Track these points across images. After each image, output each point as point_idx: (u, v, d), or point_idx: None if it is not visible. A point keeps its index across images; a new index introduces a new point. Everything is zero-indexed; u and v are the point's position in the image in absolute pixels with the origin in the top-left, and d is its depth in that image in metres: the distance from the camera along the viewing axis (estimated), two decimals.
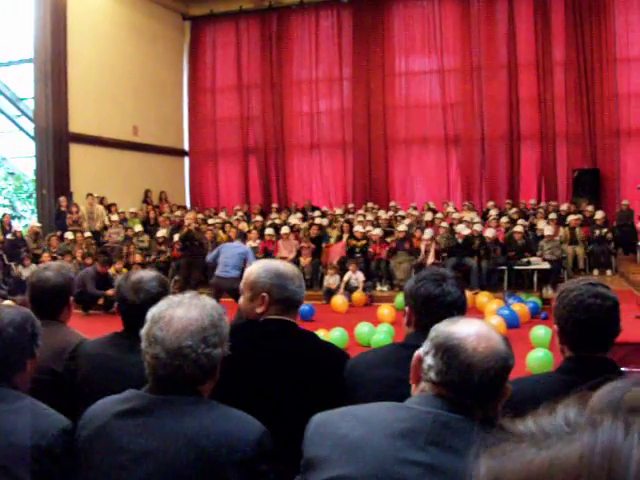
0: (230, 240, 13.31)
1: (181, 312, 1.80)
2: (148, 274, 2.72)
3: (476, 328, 1.68)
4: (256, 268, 2.58)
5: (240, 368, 2.36)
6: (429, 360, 1.67)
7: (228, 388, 2.03)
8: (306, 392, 2.44)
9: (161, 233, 14.24)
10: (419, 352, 1.72)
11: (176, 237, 14.01)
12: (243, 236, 11.47)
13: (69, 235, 14.31)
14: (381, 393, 2.03)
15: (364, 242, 13.74)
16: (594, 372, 2.12)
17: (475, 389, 1.62)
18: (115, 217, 15.42)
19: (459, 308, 2.25)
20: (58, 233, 14.43)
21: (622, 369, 2.25)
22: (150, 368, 1.80)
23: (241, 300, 2.62)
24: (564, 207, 15.43)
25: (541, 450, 0.51)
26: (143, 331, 1.81)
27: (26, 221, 18.90)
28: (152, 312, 1.83)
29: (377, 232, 13.81)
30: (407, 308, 2.36)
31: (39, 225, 14.91)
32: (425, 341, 1.72)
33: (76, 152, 16.19)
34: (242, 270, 10.63)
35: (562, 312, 2.23)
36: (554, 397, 1.86)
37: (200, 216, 16.90)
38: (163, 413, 1.75)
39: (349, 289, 12.56)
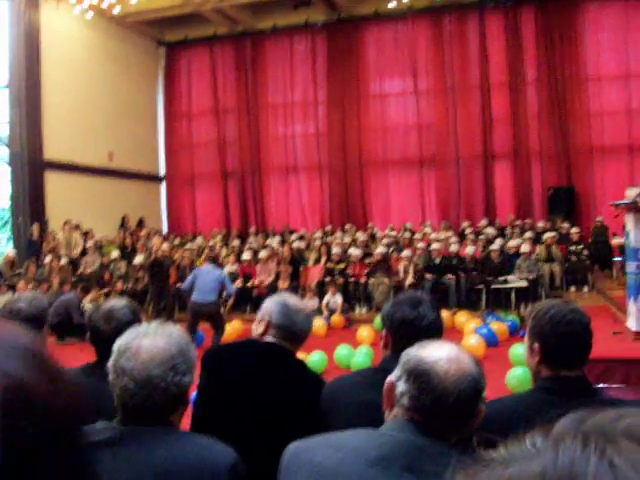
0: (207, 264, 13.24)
1: (148, 342, 1.78)
2: (119, 302, 2.71)
3: (446, 352, 1.68)
4: (271, 298, 2.80)
5: (219, 386, 2.45)
6: (401, 386, 1.66)
7: (207, 408, 2.04)
8: (282, 416, 2.46)
9: (138, 260, 14.14)
10: (391, 378, 1.72)
11: (136, 261, 13.95)
12: (214, 260, 11.39)
13: (47, 259, 14.16)
14: (358, 417, 2.02)
15: (342, 265, 13.73)
16: (572, 391, 2.14)
17: (449, 413, 1.62)
18: (90, 244, 15.29)
19: (435, 331, 2.25)
20: (33, 260, 14.28)
21: (600, 385, 2.27)
22: (119, 399, 1.77)
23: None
24: (540, 225, 15.55)
25: (508, 468, 0.55)
26: (110, 363, 1.79)
27: (1, 249, 18.68)
28: (118, 343, 1.81)
29: (356, 253, 13.81)
30: (384, 332, 2.37)
31: (14, 253, 14.77)
32: (396, 367, 1.72)
33: (51, 179, 16.10)
34: (219, 295, 10.57)
35: (544, 329, 2.24)
36: (535, 416, 1.85)
37: (177, 241, 16.85)
38: (134, 444, 1.72)
39: (329, 311, 12.54)
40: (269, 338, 2.64)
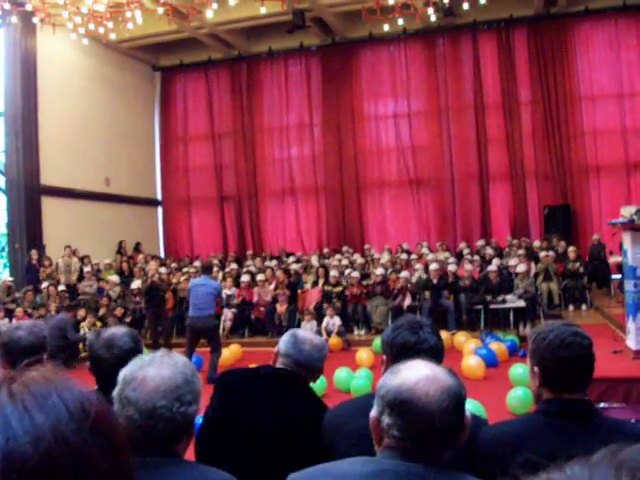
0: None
1: (153, 371, 1.77)
2: (120, 330, 2.70)
3: (421, 373, 1.66)
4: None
5: (224, 410, 2.55)
6: (386, 420, 1.64)
7: (212, 431, 2.05)
8: (280, 445, 2.50)
9: (136, 284, 14.12)
10: (373, 414, 1.69)
11: (133, 285, 13.93)
12: (207, 270, 11.19)
13: (45, 285, 14.13)
14: (361, 444, 2.01)
15: (340, 288, 13.73)
16: (573, 414, 2.14)
17: (438, 433, 1.61)
18: (88, 269, 15.28)
19: (436, 355, 2.25)
20: (30, 287, 14.25)
21: (600, 405, 2.27)
22: (124, 430, 1.75)
23: None
24: (537, 244, 15.59)
25: None
26: (115, 393, 1.78)
27: None
28: (124, 373, 1.80)
29: (354, 275, 13.82)
30: (385, 356, 2.36)
31: (11, 279, 14.75)
32: (375, 399, 1.70)
33: (48, 205, 16.09)
34: (215, 308, 10.44)
35: (544, 352, 2.23)
36: (539, 439, 1.85)
37: (174, 266, 16.83)
38: (140, 476, 1.70)
39: (327, 334, 12.52)
40: (278, 365, 2.79)
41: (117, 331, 2.66)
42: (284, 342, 2.79)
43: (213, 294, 10.11)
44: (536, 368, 2.28)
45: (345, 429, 2.29)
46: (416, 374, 1.65)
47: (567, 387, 2.22)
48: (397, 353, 2.27)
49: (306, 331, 2.99)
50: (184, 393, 1.75)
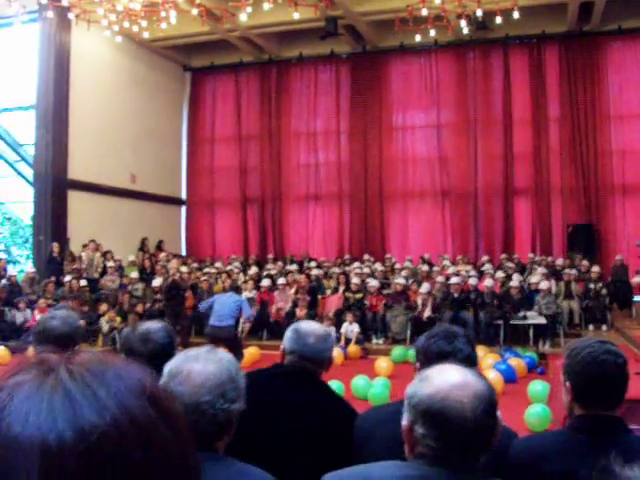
0: (224, 290, 13.30)
1: (199, 367, 1.78)
2: (155, 325, 2.72)
3: (451, 379, 1.64)
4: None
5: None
6: (420, 430, 1.62)
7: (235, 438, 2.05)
8: (309, 444, 2.47)
9: (156, 282, 14.19)
10: (405, 424, 1.67)
11: (154, 283, 14.01)
12: (236, 288, 11.54)
13: (67, 278, 14.25)
14: (391, 449, 2.02)
15: (360, 295, 13.73)
16: (605, 431, 2.14)
17: (472, 439, 1.61)
18: (111, 264, 15.39)
19: (470, 365, 2.25)
20: (53, 279, 14.38)
21: (631, 427, 2.27)
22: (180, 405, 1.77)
23: None
24: (559, 262, 15.50)
25: None
26: (160, 385, 1.79)
27: (21, 266, 18.84)
28: (169, 366, 1.81)
29: (374, 284, 13.82)
30: (418, 364, 2.37)
31: (34, 271, 14.89)
32: (405, 408, 1.67)
33: (74, 199, 16.24)
34: (237, 320, 10.58)
35: (575, 368, 2.24)
36: (568, 454, 1.86)
37: (195, 265, 16.91)
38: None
39: (346, 341, 12.53)
40: (285, 364, 2.73)
41: (153, 325, 2.68)
42: (287, 339, 2.73)
43: (236, 305, 10.38)
44: (568, 383, 2.29)
45: (377, 434, 2.30)
46: (447, 381, 1.63)
47: (598, 404, 2.22)
48: (431, 362, 2.28)
49: (309, 322, 2.90)
50: (228, 390, 1.77)
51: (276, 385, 2.65)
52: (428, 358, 2.30)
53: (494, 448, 1.68)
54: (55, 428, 0.63)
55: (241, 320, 11.23)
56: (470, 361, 2.29)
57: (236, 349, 10.24)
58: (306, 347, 2.66)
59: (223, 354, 1.87)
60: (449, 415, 1.59)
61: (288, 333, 2.76)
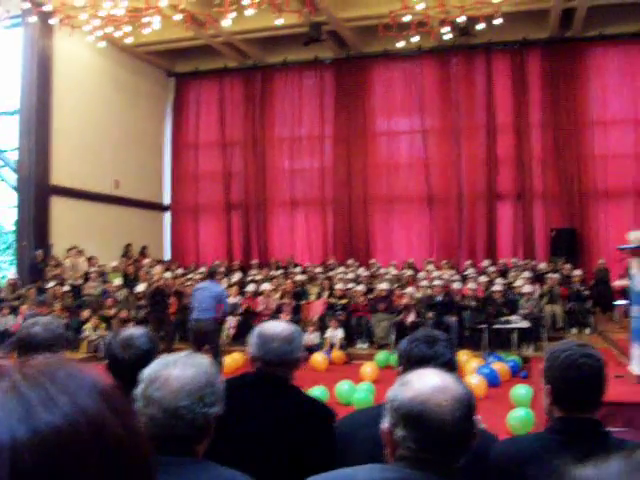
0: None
1: (177, 371, 1.79)
2: (138, 331, 2.73)
3: (431, 383, 1.67)
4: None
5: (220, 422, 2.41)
6: (400, 432, 1.65)
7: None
8: (288, 446, 2.47)
9: (140, 288, 14.15)
10: (386, 426, 1.69)
11: (138, 289, 13.94)
12: (212, 275, 11.34)
13: (51, 284, 14.17)
14: (372, 452, 2.04)
15: (345, 300, 13.75)
16: (584, 433, 2.17)
17: (452, 442, 1.63)
18: (94, 270, 15.32)
19: (451, 370, 2.28)
20: (34, 285, 14.29)
21: (608, 429, 2.29)
22: (145, 428, 1.77)
23: None
24: (542, 266, 15.59)
25: None
26: (138, 391, 1.79)
27: (4, 272, 18.72)
28: (147, 372, 1.81)
29: (359, 289, 13.84)
30: (400, 368, 2.39)
31: (17, 277, 14.80)
32: (386, 411, 1.69)
33: (57, 204, 16.15)
34: (217, 313, 10.48)
35: (554, 372, 2.27)
36: (548, 456, 1.89)
37: (180, 271, 16.85)
38: (160, 474, 1.72)
39: (330, 346, 12.54)
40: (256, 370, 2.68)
41: (135, 331, 2.69)
42: (252, 345, 2.66)
43: (215, 298, 10.26)
44: (547, 386, 2.32)
45: (358, 437, 2.32)
46: (427, 385, 1.66)
47: (577, 406, 2.25)
48: (413, 365, 2.30)
49: (273, 324, 2.79)
50: (207, 394, 1.77)
51: (247, 395, 2.61)
52: (410, 362, 2.32)
53: (473, 451, 1.70)
54: (9, 428, 0.64)
55: (225, 326, 11.20)
56: (451, 365, 2.32)
57: (214, 343, 10.24)
58: (271, 352, 2.61)
59: (202, 358, 1.88)
60: (429, 418, 1.61)
61: (252, 338, 2.69)
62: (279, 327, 2.72)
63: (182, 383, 1.76)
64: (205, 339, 10.25)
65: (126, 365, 2.47)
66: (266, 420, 2.51)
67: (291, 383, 2.70)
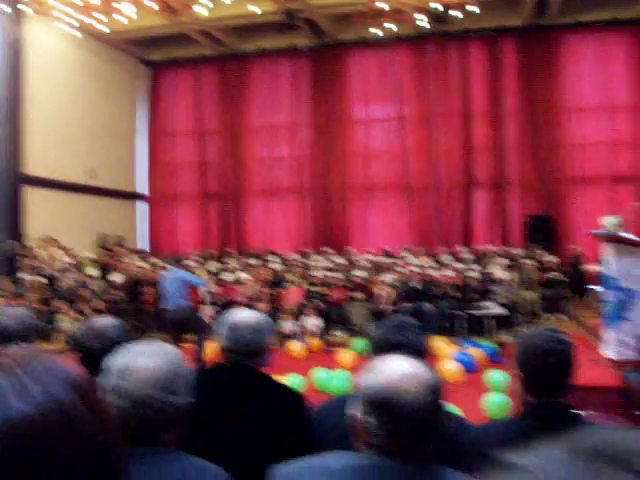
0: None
1: (144, 361, 1.77)
2: (109, 320, 2.71)
3: (399, 370, 1.66)
4: (224, 317, 2.73)
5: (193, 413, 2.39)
6: (369, 419, 1.65)
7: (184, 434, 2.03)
8: (262, 435, 2.47)
9: (116, 278, 14.06)
10: (355, 413, 1.69)
11: (114, 279, 13.81)
12: (177, 260, 11.21)
13: (26, 276, 14.03)
14: (343, 440, 2.04)
15: (322, 288, 13.76)
16: (555, 417, 2.19)
17: (421, 428, 1.63)
18: (70, 261, 15.18)
19: (422, 356, 2.29)
20: (8, 277, 14.13)
21: (579, 412, 2.32)
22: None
23: None
24: (518, 252, 15.70)
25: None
26: (106, 382, 1.77)
27: None
28: (114, 362, 1.79)
29: (336, 276, 13.86)
30: (372, 355, 2.39)
31: None
32: (356, 398, 1.69)
33: (30, 195, 15.98)
34: (190, 297, 10.27)
35: (523, 358, 2.29)
36: (518, 441, 1.91)
37: (156, 260, 16.74)
38: (129, 465, 1.70)
39: (308, 334, 12.55)
40: (226, 361, 2.66)
41: (106, 322, 2.67)
42: (222, 336, 2.64)
43: (182, 281, 10.04)
44: (518, 372, 2.34)
45: (329, 425, 2.32)
46: (396, 372, 1.65)
47: (547, 391, 2.27)
48: (384, 352, 2.30)
49: (242, 313, 2.74)
50: (175, 383, 1.76)
51: (218, 386, 2.60)
52: (381, 349, 2.33)
53: (443, 436, 1.71)
54: None
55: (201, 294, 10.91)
56: (422, 352, 2.33)
57: (200, 332, 10.04)
58: (241, 343, 2.60)
59: (169, 347, 1.87)
60: (398, 405, 1.61)
61: (222, 329, 2.67)
62: (248, 317, 2.69)
63: (150, 373, 1.74)
64: (184, 328, 10.11)
65: (97, 356, 2.45)
66: (238, 410, 2.50)
67: (262, 372, 2.68)
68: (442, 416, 1.67)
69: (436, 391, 1.65)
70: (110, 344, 2.49)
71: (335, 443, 1.99)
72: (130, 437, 1.74)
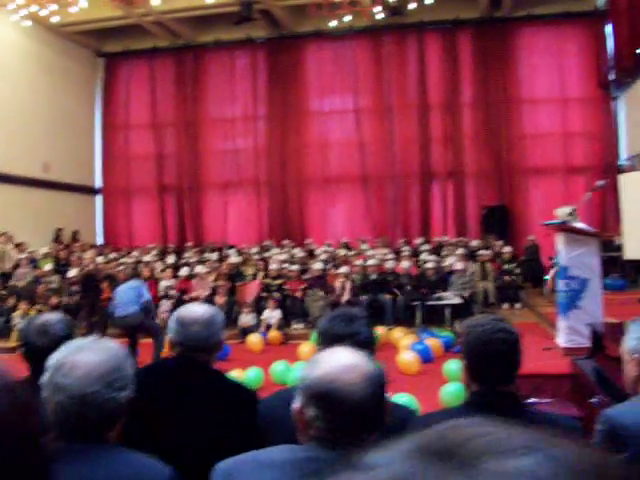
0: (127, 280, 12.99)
1: (84, 357, 1.75)
2: (54, 317, 2.67)
3: (341, 362, 1.66)
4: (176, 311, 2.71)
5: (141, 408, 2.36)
6: (311, 411, 1.64)
7: (131, 429, 2.02)
8: (211, 431, 2.46)
9: (71, 273, 13.85)
10: (297, 405, 1.69)
11: (70, 274, 13.60)
12: (136, 275, 11.25)
13: None
14: (290, 433, 2.04)
15: (280, 281, 13.75)
16: (500, 405, 2.21)
17: (363, 420, 1.63)
18: (24, 256, 14.91)
19: (369, 347, 2.29)
20: None
21: (530, 400, 2.36)
22: (54, 416, 1.74)
23: None
24: (474, 243, 15.86)
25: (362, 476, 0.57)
26: (45, 379, 1.75)
27: None
28: (53, 358, 1.77)
29: (294, 269, 13.86)
30: (320, 347, 2.39)
31: None
32: (298, 390, 1.70)
33: None
34: (142, 306, 10.21)
35: (469, 347, 2.31)
36: None
37: (113, 255, 16.57)
38: (69, 461, 1.69)
39: (267, 327, 12.53)
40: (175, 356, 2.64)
41: (51, 317, 2.63)
42: (171, 331, 2.61)
43: (134, 290, 9.97)
44: (465, 361, 2.36)
45: (276, 418, 2.31)
46: (337, 363, 1.65)
47: (493, 380, 2.29)
48: (331, 344, 2.30)
49: (192, 307, 2.72)
50: (116, 379, 1.75)
51: (168, 381, 2.58)
52: (328, 340, 2.33)
53: (388, 426, 1.71)
54: None
55: (160, 310, 10.97)
56: (369, 343, 2.33)
57: (154, 335, 10.00)
58: (191, 337, 2.58)
59: (110, 343, 1.85)
60: (338, 397, 1.60)
61: (172, 323, 2.64)
62: (198, 311, 2.66)
63: (89, 369, 1.73)
64: (137, 332, 10.02)
65: (42, 351, 2.41)
66: (187, 405, 2.49)
67: (212, 367, 2.67)
68: (383, 407, 1.67)
69: (377, 382, 1.65)
70: (54, 340, 2.46)
71: (283, 436, 1.98)
72: (71, 433, 1.72)
